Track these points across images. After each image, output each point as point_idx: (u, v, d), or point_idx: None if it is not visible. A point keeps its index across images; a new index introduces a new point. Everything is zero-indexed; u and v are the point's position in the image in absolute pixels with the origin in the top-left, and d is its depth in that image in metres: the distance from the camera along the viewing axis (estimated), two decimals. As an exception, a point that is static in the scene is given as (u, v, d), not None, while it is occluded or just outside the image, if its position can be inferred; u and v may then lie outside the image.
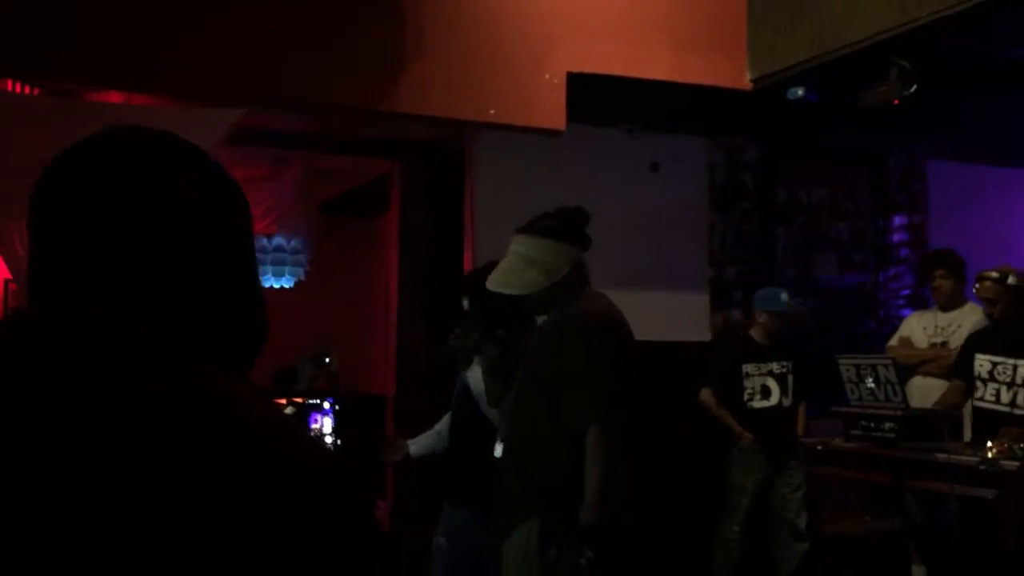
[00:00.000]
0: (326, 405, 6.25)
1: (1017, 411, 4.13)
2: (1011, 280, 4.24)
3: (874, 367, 4.16)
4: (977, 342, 4.36)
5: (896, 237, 6.75)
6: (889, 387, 4.10)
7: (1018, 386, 4.19)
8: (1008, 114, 5.62)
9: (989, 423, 4.04)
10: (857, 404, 4.24)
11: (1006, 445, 3.70)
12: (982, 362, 4.28)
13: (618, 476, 2.62)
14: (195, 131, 4.63)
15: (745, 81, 5.13)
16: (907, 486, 4.10)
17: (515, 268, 2.78)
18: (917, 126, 5.82)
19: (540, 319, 3.01)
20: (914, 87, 4.35)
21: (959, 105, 5.47)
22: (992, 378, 4.25)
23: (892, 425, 4.04)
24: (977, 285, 4.42)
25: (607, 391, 2.64)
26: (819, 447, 4.40)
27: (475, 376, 3.50)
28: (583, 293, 2.82)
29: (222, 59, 4.29)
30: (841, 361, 4.34)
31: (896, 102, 4.39)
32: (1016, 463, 3.52)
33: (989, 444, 3.74)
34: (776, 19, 4.95)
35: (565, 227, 2.81)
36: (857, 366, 4.23)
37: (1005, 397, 4.20)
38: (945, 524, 4.07)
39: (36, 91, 4.45)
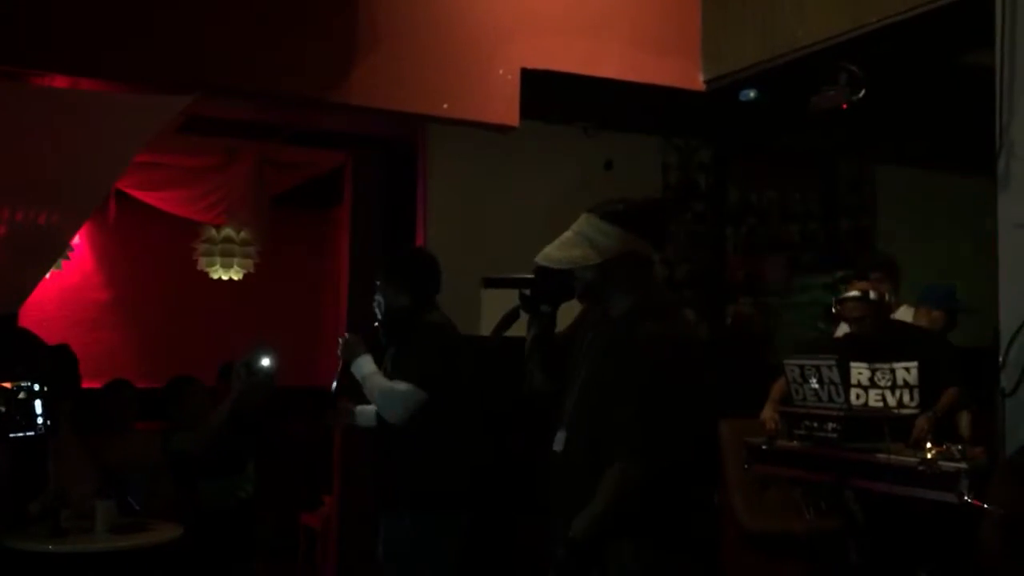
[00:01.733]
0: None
1: (904, 411, 4.27)
2: (872, 295, 4.38)
3: (818, 368, 4.19)
4: (847, 349, 4.48)
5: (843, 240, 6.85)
6: (832, 388, 4.14)
7: (900, 387, 4.34)
8: (960, 120, 5.71)
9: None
10: (801, 404, 4.28)
11: (945, 446, 3.76)
12: (860, 370, 4.42)
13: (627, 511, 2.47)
14: (143, 117, 4.58)
15: (699, 82, 5.16)
16: (849, 485, 4.15)
17: (565, 243, 2.59)
18: (868, 130, 5.89)
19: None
20: (863, 92, 4.40)
21: (911, 110, 5.56)
22: (873, 384, 4.39)
23: (835, 425, 4.08)
24: (838, 307, 4.52)
25: (648, 432, 2.45)
26: (763, 446, 4.43)
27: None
28: (664, 306, 2.62)
29: (171, 45, 4.21)
30: (786, 362, 4.38)
31: (845, 107, 4.44)
32: (954, 464, 3.58)
33: (928, 445, 3.80)
34: (729, 21, 4.98)
35: (632, 214, 2.56)
36: (801, 367, 4.27)
37: (891, 400, 4.36)
38: (885, 524, 4.13)
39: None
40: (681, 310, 2.80)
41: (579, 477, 2.55)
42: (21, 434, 4.22)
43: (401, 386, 3.60)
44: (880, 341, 4.44)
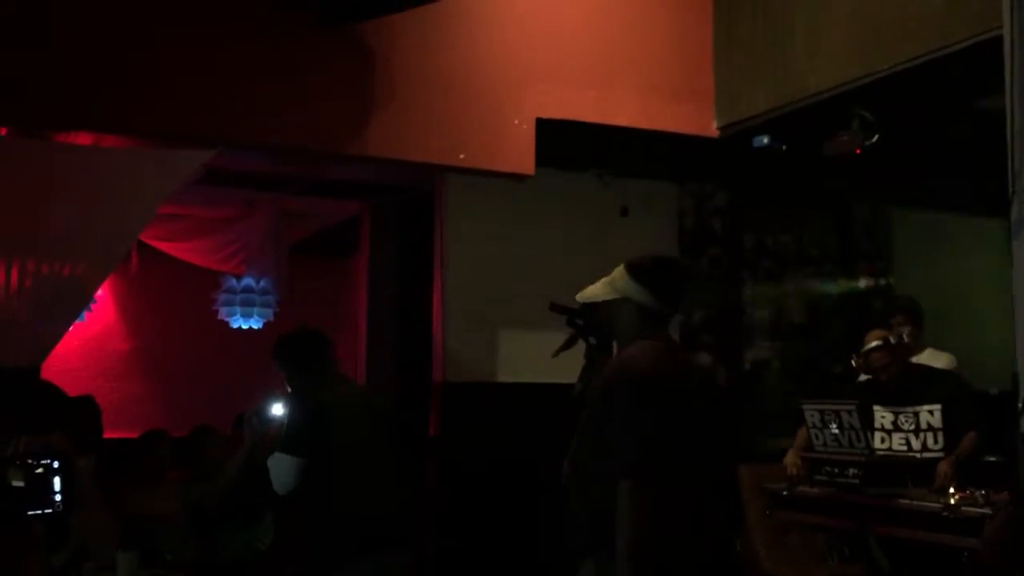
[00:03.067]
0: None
1: (928, 454, 4.26)
2: (892, 340, 4.39)
3: (838, 413, 4.18)
4: (870, 394, 4.47)
5: (860, 283, 6.85)
6: (852, 433, 4.13)
7: (924, 431, 4.33)
8: (972, 164, 5.73)
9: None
10: (821, 449, 4.26)
11: (968, 491, 3.73)
12: (884, 414, 4.40)
13: (654, 541, 2.47)
14: (165, 172, 4.66)
15: (712, 128, 5.21)
16: (871, 531, 4.12)
17: (597, 283, 2.85)
18: (882, 175, 5.92)
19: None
20: (876, 137, 4.44)
21: (923, 155, 5.58)
22: (897, 428, 4.37)
23: (856, 471, 4.06)
24: (860, 361, 4.52)
25: (640, 446, 2.52)
26: (784, 492, 4.41)
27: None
28: (639, 341, 2.74)
29: (193, 101, 4.30)
30: (805, 407, 4.37)
31: (858, 151, 4.48)
32: (978, 510, 3.55)
33: (952, 490, 3.78)
34: (742, 69, 5.04)
35: (646, 268, 2.80)
36: (821, 412, 4.26)
37: (915, 444, 4.35)
38: (910, 570, 4.09)
39: (3, 131, 4.44)
40: (687, 352, 2.95)
41: (575, 513, 2.70)
42: (39, 512, 4.19)
43: (273, 458, 3.72)
44: (902, 385, 4.43)
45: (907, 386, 4.43)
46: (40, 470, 4.18)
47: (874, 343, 4.42)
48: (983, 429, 4.19)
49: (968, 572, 3.46)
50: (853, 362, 4.60)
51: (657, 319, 2.77)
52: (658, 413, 2.56)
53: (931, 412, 4.34)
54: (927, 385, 4.43)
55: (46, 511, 4.12)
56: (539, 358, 5.79)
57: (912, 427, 4.37)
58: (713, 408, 2.86)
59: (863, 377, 4.95)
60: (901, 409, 4.40)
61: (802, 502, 4.35)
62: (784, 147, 5.00)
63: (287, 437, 3.75)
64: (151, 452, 4.88)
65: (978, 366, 5.07)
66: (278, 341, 4.05)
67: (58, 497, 4.12)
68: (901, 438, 4.41)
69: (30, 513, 4.07)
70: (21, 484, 4.04)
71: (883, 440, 4.43)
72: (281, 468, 3.71)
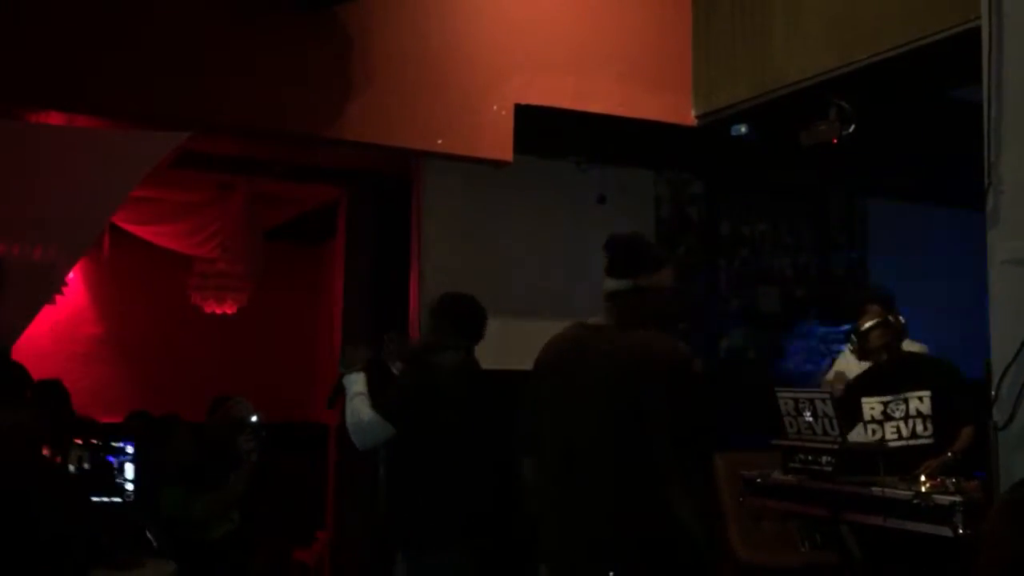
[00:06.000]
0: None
1: (918, 441, 4.28)
2: (891, 319, 4.40)
3: (812, 401, 4.20)
4: (860, 387, 4.49)
5: (836, 273, 6.89)
6: (826, 421, 4.14)
7: (914, 417, 4.34)
8: (949, 154, 5.77)
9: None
10: (795, 437, 4.28)
11: (939, 479, 3.76)
12: (872, 405, 4.42)
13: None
14: (138, 154, 4.61)
15: (690, 117, 5.21)
16: (844, 519, 4.14)
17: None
18: (858, 164, 5.95)
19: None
20: (852, 127, 4.45)
21: (900, 145, 5.61)
22: (887, 417, 4.40)
23: (829, 459, 4.08)
24: (853, 345, 4.52)
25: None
26: (758, 479, 4.43)
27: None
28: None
29: (167, 82, 4.25)
30: (780, 394, 4.38)
31: (835, 141, 4.49)
32: (948, 498, 3.58)
33: (923, 479, 3.80)
34: (720, 58, 5.04)
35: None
36: (795, 400, 4.27)
37: (905, 431, 4.36)
38: (881, 557, 4.12)
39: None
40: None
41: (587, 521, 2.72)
42: (106, 499, 3.85)
43: (367, 415, 3.58)
44: (891, 371, 4.44)
45: (896, 372, 4.43)
46: (113, 456, 3.83)
47: (873, 321, 4.41)
48: (980, 421, 4.17)
49: (969, 556, 3.48)
50: (848, 347, 4.59)
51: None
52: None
53: (920, 399, 4.34)
54: (917, 371, 4.43)
55: (113, 499, 3.78)
56: (516, 344, 5.81)
57: (902, 414, 4.37)
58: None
59: (833, 373, 4.96)
60: (890, 398, 4.40)
61: (775, 489, 4.37)
62: (756, 137, 5.01)
63: (390, 403, 3.62)
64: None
65: (951, 356, 5.11)
66: (447, 297, 3.93)
67: (130, 487, 3.77)
68: (892, 427, 4.39)
69: (95, 499, 3.75)
70: (86, 466, 3.78)
71: (875, 432, 4.40)
72: (368, 430, 3.57)
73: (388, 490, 3.72)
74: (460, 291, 3.96)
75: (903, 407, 4.37)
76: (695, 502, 2.63)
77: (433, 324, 3.86)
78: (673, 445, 2.61)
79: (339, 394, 3.79)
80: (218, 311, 7.27)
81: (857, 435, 4.44)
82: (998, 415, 3.18)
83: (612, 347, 2.75)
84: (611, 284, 2.83)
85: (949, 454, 4.13)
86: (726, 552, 5.27)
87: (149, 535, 4.37)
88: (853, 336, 4.52)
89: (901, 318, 4.58)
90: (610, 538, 2.67)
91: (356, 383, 3.71)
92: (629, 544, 2.65)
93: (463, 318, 3.88)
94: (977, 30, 3.43)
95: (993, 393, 3.19)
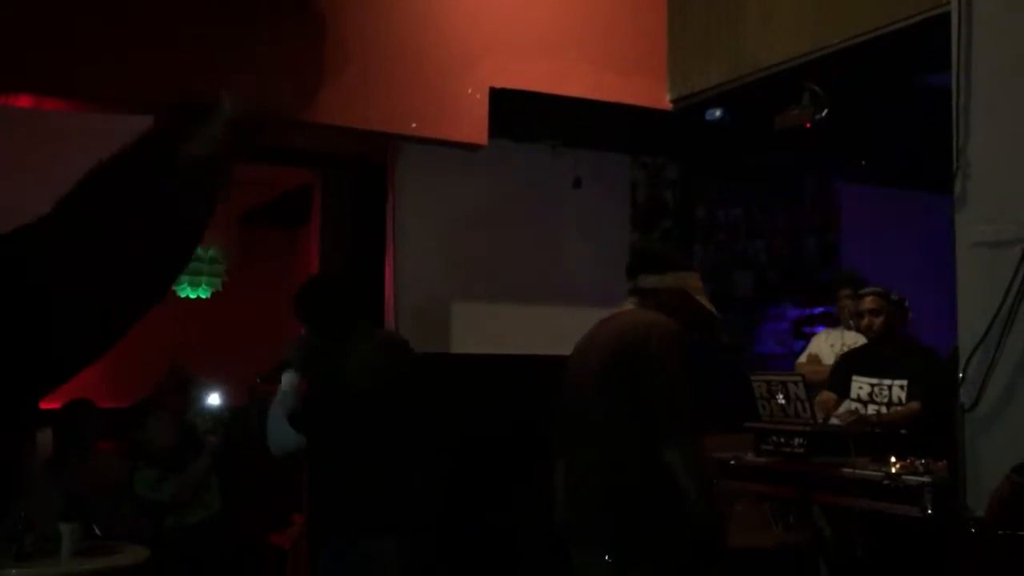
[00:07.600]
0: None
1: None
2: (894, 296, 4.47)
3: (784, 384, 4.25)
4: (852, 362, 4.56)
5: (809, 257, 6.94)
6: (799, 403, 4.20)
7: (895, 404, 4.46)
8: (920, 139, 5.81)
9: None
10: (768, 420, 4.33)
11: (909, 460, 3.82)
12: (861, 384, 4.50)
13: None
14: (108, 137, 4.55)
15: (665, 101, 5.22)
16: (815, 500, 4.20)
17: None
18: (831, 149, 5.98)
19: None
20: (825, 111, 4.48)
21: (874, 129, 5.64)
22: (872, 399, 4.46)
23: (801, 440, 4.14)
24: (842, 303, 4.61)
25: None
26: (731, 461, 4.48)
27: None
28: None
29: (137, 64, 4.20)
30: (753, 378, 4.43)
31: (808, 125, 4.52)
32: (918, 478, 3.63)
33: (893, 460, 3.86)
34: (695, 42, 5.05)
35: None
36: (768, 383, 4.33)
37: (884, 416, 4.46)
38: (852, 537, 4.18)
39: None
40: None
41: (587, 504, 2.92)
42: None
43: (278, 426, 3.52)
44: (884, 353, 4.51)
45: (888, 355, 4.51)
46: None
47: (879, 288, 4.51)
48: (934, 407, 4.22)
49: (972, 542, 3.53)
50: (838, 306, 4.68)
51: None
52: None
53: (901, 387, 4.43)
54: (905, 359, 4.51)
55: None
56: (492, 329, 5.82)
57: (885, 400, 4.46)
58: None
59: (806, 355, 5.01)
60: (879, 381, 4.49)
61: (748, 471, 4.42)
62: (731, 121, 5.04)
63: (298, 410, 3.52)
64: (75, 422, 4.85)
65: (922, 340, 5.17)
66: (300, 292, 3.73)
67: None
68: (874, 410, 4.48)
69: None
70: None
71: (857, 411, 4.50)
72: (285, 438, 3.53)
73: (311, 483, 3.70)
74: (317, 276, 3.95)
75: (887, 394, 4.45)
76: (695, 467, 2.78)
77: (321, 315, 3.69)
78: (668, 410, 2.78)
79: (274, 376, 3.64)
80: (192, 295, 7.23)
81: (845, 408, 4.54)
82: (965, 397, 3.22)
83: (617, 324, 3.04)
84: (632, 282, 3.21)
85: (874, 413, 4.29)
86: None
87: (93, 526, 4.36)
88: (842, 296, 4.62)
89: (906, 302, 4.69)
90: (609, 522, 2.76)
91: (286, 383, 3.58)
92: (626, 528, 2.72)
93: (342, 300, 3.72)
94: (947, 16, 3.46)
95: (960, 375, 3.23)
